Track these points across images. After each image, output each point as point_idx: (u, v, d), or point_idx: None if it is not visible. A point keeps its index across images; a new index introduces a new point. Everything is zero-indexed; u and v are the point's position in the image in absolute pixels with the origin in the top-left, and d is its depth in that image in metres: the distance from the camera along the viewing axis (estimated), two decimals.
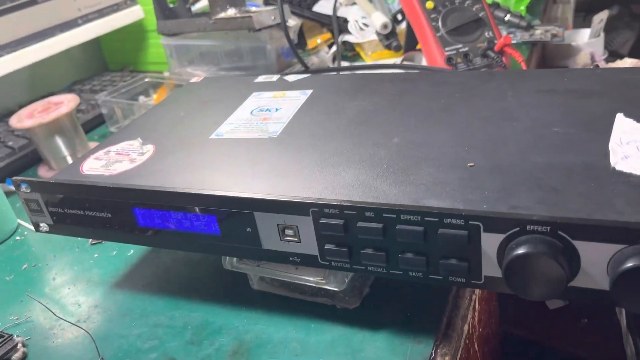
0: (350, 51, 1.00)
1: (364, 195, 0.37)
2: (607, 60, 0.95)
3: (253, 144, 0.46)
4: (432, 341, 0.39)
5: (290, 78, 0.59)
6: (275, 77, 0.60)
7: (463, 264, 0.34)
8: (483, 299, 0.49)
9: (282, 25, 0.79)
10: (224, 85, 0.61)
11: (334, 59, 0.94)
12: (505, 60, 0.74)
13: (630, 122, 0.39)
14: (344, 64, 0.95)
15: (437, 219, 0.34)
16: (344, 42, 0.99)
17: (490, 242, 0.33)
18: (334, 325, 0.42)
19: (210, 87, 0.61)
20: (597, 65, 0.60)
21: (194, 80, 0.64)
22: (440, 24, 0.75)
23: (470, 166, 0.38)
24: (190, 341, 0.43)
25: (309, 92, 0.54)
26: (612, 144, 0.37)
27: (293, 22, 0.92)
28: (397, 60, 0.89)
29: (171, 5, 0.95)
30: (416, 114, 0.46)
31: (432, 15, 0.76)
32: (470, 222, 0.33)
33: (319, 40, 0.97)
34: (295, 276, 0.42)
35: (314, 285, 0.41)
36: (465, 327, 0.42)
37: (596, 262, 0.31)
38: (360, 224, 0.36)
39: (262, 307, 0.45)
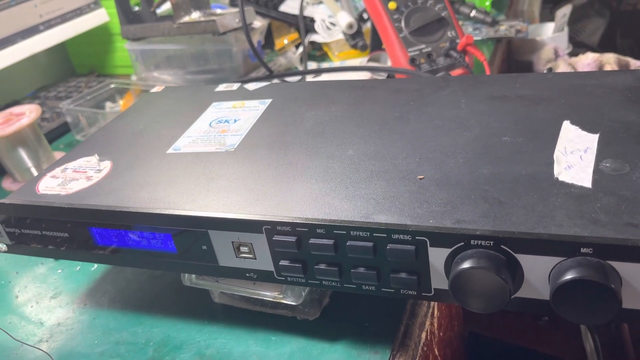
0: (318, 51, 1.00)
1: (316, 211, 0.37)
2: (571, 54, 0.96)
3: (210, 158, 0.46)
4: (389, 351, 0.40)
5: (251, 87, 0.59)
6: (235, 86, 0.60)
7: (412, 278, 0.35)
8: (443, 304, 0.50)
9: (244, 29, 0.79)
10: (184, 95, 0.61)
11: (301, 59, 0.94)
12: (468, 59, 0.75)
13: (575, 129, 0.40)
14: (312, 64, 0.95)
15: (385, 235, 0.34)
16: (312, 42, 0.99)
17: (437, 256, 0.34)
18: (294, 337, 0.43)
19: (171, 98, 0.61)
20: (550, 69, 0.61)
21: (154, 90, 0.64)
22: (403, 24, 0.76)
23: (420, 179, 0.38)
24: (151, 358, 0.43)
25: (268, 101, 0.54)
26: (557, 153, 0.38)
27: (259, 23, 0.92)
28: (364, 59, 0.89)
29: (136, 9, 0.94)
30: (371, 123, 0.47)
31: (395, 16, 0.76)
32: (417, 238, 0.34)
33: (285, 41, 0.96)
34: (253, 291, 0.42)
35: (271, 299, 0.42)
36: (423, 335, 0.43)
37: (538, 274, 0.32)
38: (312, 240, 0.36)
39: (223, 320, 0.46)
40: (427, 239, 0.34)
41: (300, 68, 0.93)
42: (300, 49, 0.95)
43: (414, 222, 0.34)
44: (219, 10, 0.90)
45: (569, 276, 0.30)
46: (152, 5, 0.91)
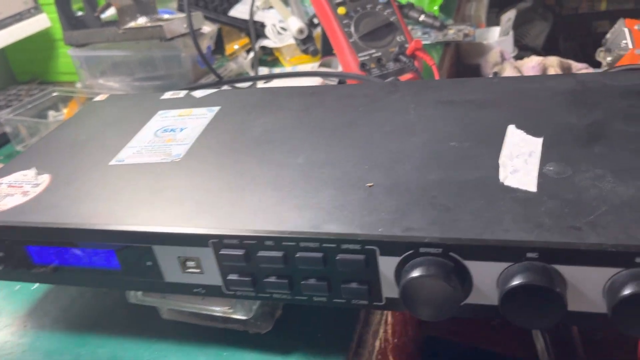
0: (269, 56, 0.99)
1: (265, 223, 0.36)
2: (517, 57, 0.99)
3: (155, 169, 0.45)
4: None
5: (198, 94, 0.57)
6: (182, 93, 0.58)
7: (363, 288, 0.35)
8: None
9: (191, 35, 0.77)
10: (129, 104, 0.59)
11: (253, 65, 0.93)
12: (417, 64, 0.76)
13: (520, 133, 0.41)
14: (263, 69, 0.94)
15: (334, 245, 0.34)
16: (263, 47, 0.98)
17: (387, 265, 0.34)
18: (246, 351, 0.41)
19: (115, 106, 0.59)
20: (495, 73, 0.62)
21: (98, 98, 0.61)
22: (352, 29, 0.76)
23: (369, 186, 0.38)
24: None
25: (216, 109, 0.53)
26: (503, 158, 0.38)
27: (208, 28, 0.90)
28: (316, 65, 0.88)
29: (79, 13, 0.91)
30: (321, 130, 0.46)
31: (345, 21, 0.76)
32: (366, 247, 0.33)
33: (236, 46, 0.95)
34: (202, 307, 0.41)
35: (221, 315, 0.41)
36: (377, 343, 0.42)
37: (487, 280, 0.32)
38: (260, 253, 0.35)
39: (172, 337, 0.44)
40: (376, 248, 0.33)
41: (252, 74, 0.92)
42: (251, 54, 0.94)
43: (363, 231, 0.34)
44: (166, 16, 0.88)
45: (515, 282, 0.30)
46: (96, 10, 0.89)
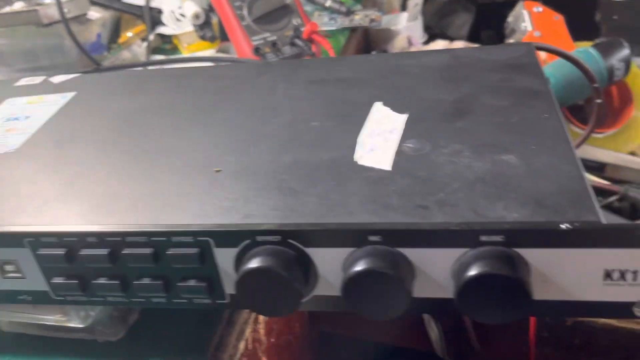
0: (168, 44, 0.93)
1: (89, 218, 0.32)
2: (425, 43, 0.97)
3: None
4: None
5: (56, 79, 0.52)
6: (39, 79, 0.52)
7: (202, 285, 0.31)
8: None
9: (62, 20, 0.71)
10: None
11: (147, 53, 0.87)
12: (315, 48, 0.72)
13: (386, 110, 0.38)
14: (160, 58, 0.89)
15: (165, 238, 0.30)
16: (161, 35, 0.92)
17: (225, 257, 0.30)
18: None
19: None
20: (385, 51, 0.60)
21: None
22: (245, 12, 0.72)
23: (217, 171, 0.34)
24: None
25: (71, 95, 0.47)
26: (362, 136, 0.35)
27: (97, 14, 0.84)
28: (213, 51, 0.84)
29: None
30: (180, 114, 0.42)
31: (237, 3, 0.72)
32: (199, 239, 0.29)
33: (129, 34, 0.89)
34: (33, 316, 0.36)
35: (54, 324, 0.36)
36: (242, 345, 0.39)
37: (333, 268, 0.29)
38: (84, 251, 0.31)
39: (15, 351, 0.39)
40: (210, 239, 0.29)
41: None
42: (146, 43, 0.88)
43: (197, 221, 0.30)
44: (47, 0, 0.81)
45: (354, 269, 0.27)
46: None
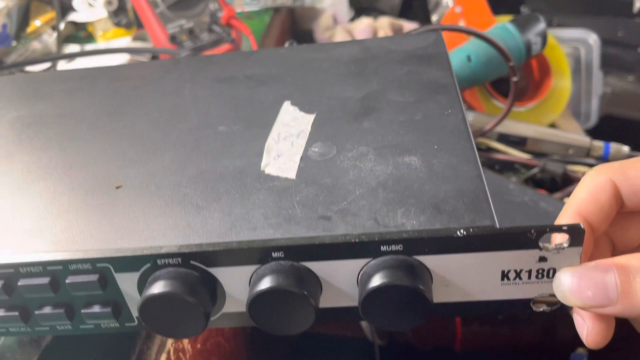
0: (83, 31, 0.88)
1: None
2: (351, 20, 0.97)
3: None
4: None
5: None
6: None
7: (106, 310, 0.30)
8: None
9: None
10: None
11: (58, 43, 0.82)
12: (235, 34, 0.70)
13: (294, 111, 0.37)
14: (74, 47, 0.84)
15: (61, 267, 0.28)
16: (73, 22, 0.87)
17: (127, 282, 0.29)
18: None
19: None
20: (293, 42, 0.59)
21: None
22: None
23: (117, 187, 0.33)
24: None
25: None
26: (270, 141, 0.35)
27: (1, 2, 0.78)
28: (130, 39, 0.80)
29: None
30: (78, 122, 0.40)
31: None
32: (98, 265, 0.28)
33: (38, 23, 0.83)
34: None
35: None
36: (163, 357, 0.38)
37: (240, 286, 0.29)
38: None
39: None
40: (110, 265, 0.28)
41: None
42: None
43: (95, 246, 0.29)
44: None
45: (259, 287, 0.27)
46: None
